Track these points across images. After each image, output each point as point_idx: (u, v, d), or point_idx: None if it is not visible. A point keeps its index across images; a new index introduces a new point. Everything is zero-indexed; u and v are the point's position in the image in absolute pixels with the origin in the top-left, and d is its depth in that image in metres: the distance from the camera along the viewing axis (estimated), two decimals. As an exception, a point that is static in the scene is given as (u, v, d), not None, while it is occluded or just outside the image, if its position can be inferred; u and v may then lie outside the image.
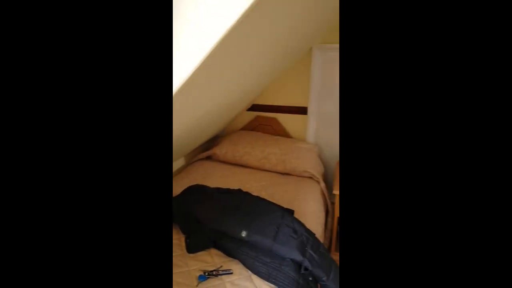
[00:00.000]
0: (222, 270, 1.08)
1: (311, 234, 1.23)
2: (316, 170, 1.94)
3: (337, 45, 1.98)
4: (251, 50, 1.16)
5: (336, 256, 1.80)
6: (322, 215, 1.69)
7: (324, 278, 1.10)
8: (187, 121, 1.40)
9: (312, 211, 1.57)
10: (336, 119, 2.16)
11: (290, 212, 1.41)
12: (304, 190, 1.76)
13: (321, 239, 1.62)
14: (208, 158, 2.20)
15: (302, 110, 2.20)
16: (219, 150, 2.12)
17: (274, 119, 2.31)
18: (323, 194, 1.85)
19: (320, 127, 2.22)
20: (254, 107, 2.35)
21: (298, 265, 1.09)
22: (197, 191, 1.51)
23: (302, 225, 1.24)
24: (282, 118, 2.30)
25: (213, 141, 2.35)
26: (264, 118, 2.33)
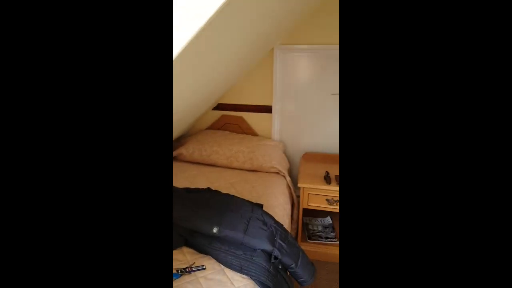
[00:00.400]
0: (195, 267, 1.10)
1: (279, 225, 1.30)
2: (282, 165, 2.02)
3: (296, 46, 2.08)
4: (218, 49, 1.19)
5: (303, 247, 1.91)
6: (288, 207, 1.78)
7: (293, 265, 1.18)
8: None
9: (279, 204, 1.65)
10: (298, 117, 2.27)
11: (260, 206, 1.47)
12: (271, 185, 1.83)
13: (288, 230, 1.71)
14: (174, 158, 2.16)
15: (267, 109, 2.28)
16: (186, 150, 2.10)
17: (241, 117, 2.35)
18: (289, 188, 1.94)
19: (284, 124, 2.32)
20: (219, 106, 2.37)
21: (268, 255, 1.15)
22: (165, 192, 1.49)
23: (271, 217, 1.31)
24: (248, 116, 2.35)
25: (177, 141, 2.32)
26: (230, 117, 2.36)
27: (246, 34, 1.33)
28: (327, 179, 1.83)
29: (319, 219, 2.14)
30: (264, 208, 1.53)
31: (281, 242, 1.20)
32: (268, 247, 1.15)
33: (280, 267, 1.16)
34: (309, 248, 1.90)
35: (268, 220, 1.27)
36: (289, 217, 1.77)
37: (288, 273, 1.22)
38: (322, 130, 2.26)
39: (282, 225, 1.32)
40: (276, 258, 1.15)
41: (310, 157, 2.22)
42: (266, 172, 2.00)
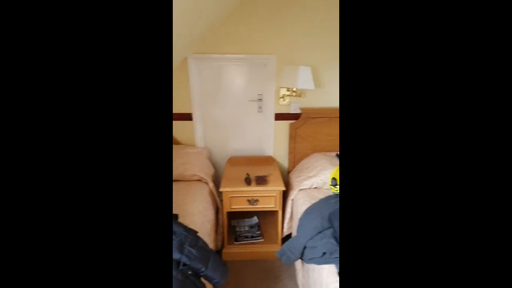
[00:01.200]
0: None
1: (190, 232, 1.32)
2: (204, 172, 2.05)
3: (209, 55, 2.14)
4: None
5: (229, 249, 1.96)
6: (210, 213, 1.81)
7: (203, 269, 1.21)
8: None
9: (198, 211, 1.67)
10: (221, 123, 2.33)
11: (174, 217, 1.47)
12: (191, 193, 1.84)
13: (212, 235, 1.75)
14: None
15: (188, 116, 2.28)
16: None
17: (161, 127, 2.30)
18: (211, 194, 1.98)
19: (208, 131, 2.35)
20: (138, 117, 2.28)
21: (177, 263, 1.16)
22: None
23: (180, 225, 1.32)
24: (169, 126, 2.31)
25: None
26: (150, 128, 2.30)
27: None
28: (247, 180, 1.92)
29: (246, 219, 2.22)
30: (181, 217, 1.53)
31: (190, 249, 1.22)
32: (175, 255, 1.16)
33: (190, 272, 1.18)
34: (236, 249, 1.96)
35: (178, 230, 1.28)
36: (212, 222, 1.80)
37: (201, 278, 1.25)
38: (245, 134, 2.36)
39: (194, 232, 1.34)
40: (184, 264, 1.17)
41: (235, 161, 2.30)
42: (188, 181, 1.99)
